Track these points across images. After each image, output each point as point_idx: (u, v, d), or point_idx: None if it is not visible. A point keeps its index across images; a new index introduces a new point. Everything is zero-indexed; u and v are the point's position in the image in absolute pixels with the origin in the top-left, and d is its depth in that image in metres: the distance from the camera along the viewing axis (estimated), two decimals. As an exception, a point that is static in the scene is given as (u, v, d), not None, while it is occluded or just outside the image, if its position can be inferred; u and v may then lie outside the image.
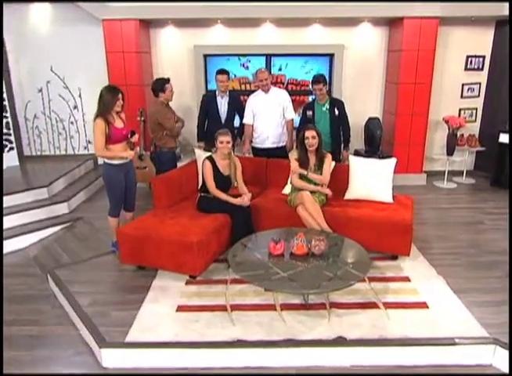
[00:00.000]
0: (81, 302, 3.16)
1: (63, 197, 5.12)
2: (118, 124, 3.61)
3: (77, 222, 4.78)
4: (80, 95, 6.29)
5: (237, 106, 5.08)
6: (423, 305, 3.07)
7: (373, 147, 5.73)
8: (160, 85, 4.35)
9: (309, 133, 3.91)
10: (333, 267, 3.01)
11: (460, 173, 6.40)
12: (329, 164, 4.04)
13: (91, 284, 3.45)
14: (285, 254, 3.15)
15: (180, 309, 3.05)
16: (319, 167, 4.02)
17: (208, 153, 4.06)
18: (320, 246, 3.14)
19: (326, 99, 4.65)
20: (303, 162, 4.01)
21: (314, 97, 4.75)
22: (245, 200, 3.79)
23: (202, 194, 3.94)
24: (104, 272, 3.66)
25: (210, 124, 4.91)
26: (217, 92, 4.91)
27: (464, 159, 6.22)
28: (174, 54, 6.06)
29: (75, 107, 6.35)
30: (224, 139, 3.82)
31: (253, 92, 5.98)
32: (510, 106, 5.71)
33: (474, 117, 6.35)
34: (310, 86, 6.08)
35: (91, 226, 4.68)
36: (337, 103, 4.67)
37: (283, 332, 2.78)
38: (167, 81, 4.41)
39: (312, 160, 4.03)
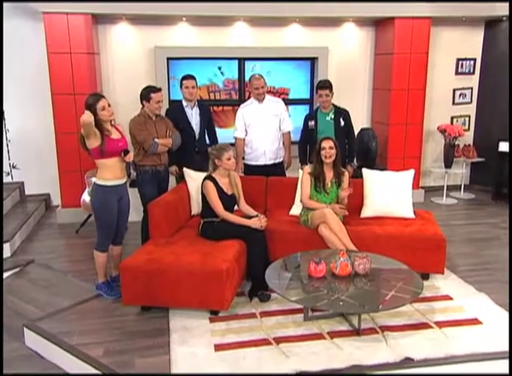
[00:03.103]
0: (93, 354, 3.35)
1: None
2: (114, 135, 3.97)
3: (28, 267, 4.86)
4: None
5: (209, 117, 5.51)
6: (475, 322, 3.71)
7: (369, 161, 6.50)
8: (146, 93, 4.67)
9: (326, 143, 4.52)
10: (386, 285, 3.59)
11: (456, 188, 7.43)
12: (347, 184, 4.65)
13: (94, 333, 3.64)
14: (327, 276, 3.67)
15: (219, 347, 3.38)
16: (337, 184, 4.61)
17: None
18: (365, 264, 3.69)
19: (331, 108, 5.32)
20: (317, 177, 4.59)
21: (317, 105, 5.40)
22: (262, 221, 4.24)
23: (205, 220, 4.34)
24: (101, 320, 3.85)
25: (182, 142, 5.09)
26: (184, 103, 5.28)
27: (462, 172, 7.25)
28: (128, 56, 6.43)
29: (-6, 123, 6.41)
30: (231, 155, 4.32)
31: (223, 101, 6.63)
32: (510, 112, 6.82)
33: (467, 126, 7.47)
34: (284, 94, 6.86)
35: (50, 270, 4.80)
36: (342, 113, 5.35)
37: (345, 359, 3.24)
38: (157, 90, 4.71)
39: (329, 175, 4.62)
